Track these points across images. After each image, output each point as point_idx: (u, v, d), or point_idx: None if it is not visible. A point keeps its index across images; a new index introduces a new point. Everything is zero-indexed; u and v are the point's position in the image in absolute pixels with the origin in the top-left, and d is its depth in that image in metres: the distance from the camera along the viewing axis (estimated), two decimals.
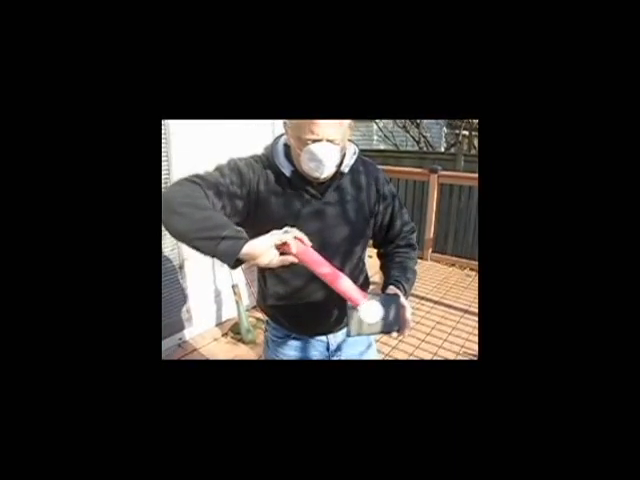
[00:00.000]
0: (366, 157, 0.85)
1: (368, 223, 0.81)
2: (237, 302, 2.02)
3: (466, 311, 2.24)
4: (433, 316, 2.18)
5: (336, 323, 0.84)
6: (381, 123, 7.04)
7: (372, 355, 0.96)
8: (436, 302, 2.35)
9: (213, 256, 0.61)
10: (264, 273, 0.83)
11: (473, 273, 2.87)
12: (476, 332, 1.82)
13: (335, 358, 0.89)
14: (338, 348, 0.87)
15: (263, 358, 0.99)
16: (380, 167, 0.90)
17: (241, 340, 2.05)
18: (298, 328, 0.85)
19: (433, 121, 6.81)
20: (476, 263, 2.85)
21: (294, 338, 0.87)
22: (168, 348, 1.96)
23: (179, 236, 0.65)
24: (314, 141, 0.66)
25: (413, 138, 6.67)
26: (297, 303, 0.81)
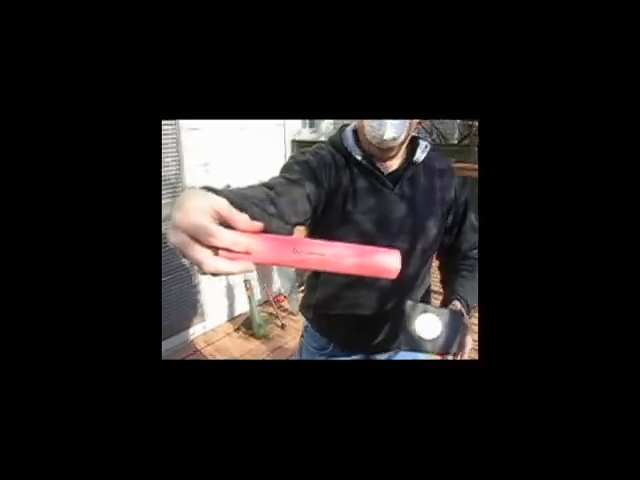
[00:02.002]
0: (441, 153, 0.80)
1: (440, 225, 0.74)
2: (249, 297, 2.02)
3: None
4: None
5: (382, 344, 0.76)
6: None
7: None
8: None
9: None
10: (317, 274, 0.77)
11: None
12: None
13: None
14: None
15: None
16: None
17: (253, 335, 2.05)
18: (338, 340, 0.78)
19: None
20: None
21: (331, 354, 0.79)
22: (180, 343, 1.96)
23: None
24: None
25: (425, 130, 6.53)
26: (343, 312, 0.74)
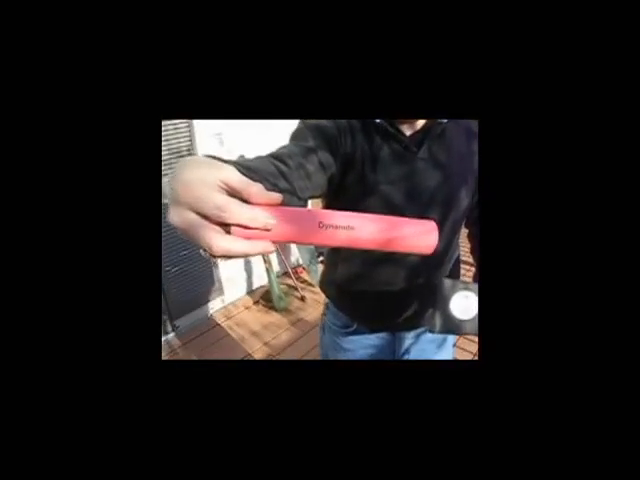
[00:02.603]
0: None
1: (473, 192, 0.66)
2: (267, 269, 2.01)
3: None
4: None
5: (409, 321, 0.70)
6: None
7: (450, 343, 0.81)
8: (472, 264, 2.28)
9: None
10: (337, 250, 0.71)
11: None
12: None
13: (400, 356, 0.76)
14: (406, 352, 0.73)
15: (319, 343, 0.86)
16: None
17: (273, 308, 2.04)
18: (362, 319, 0.73)
19: None
20: None
21: (356, 332, 0.74)
22: (199, 319, 1.95)
23: None
24: None
25: None
26: (367, 289, 0.68)
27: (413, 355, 0.77)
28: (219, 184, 0.30)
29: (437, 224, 0.47)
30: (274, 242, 0.33)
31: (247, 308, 2.12)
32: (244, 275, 2.17)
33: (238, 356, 1.87)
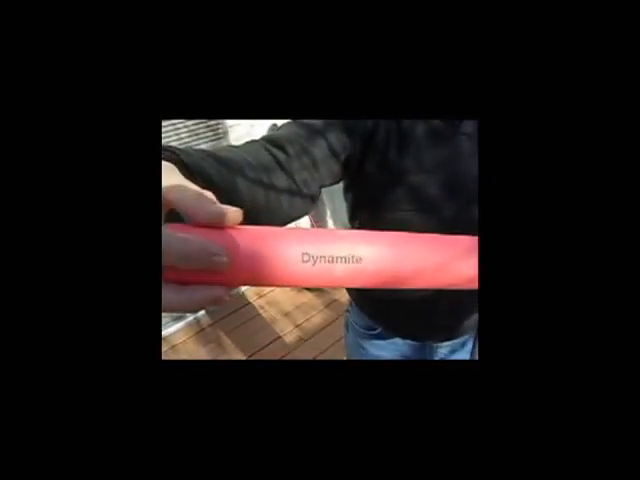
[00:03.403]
0: None
1: None
2: None
3: None
4: None
5: (443, 331, 0.59)
6: None
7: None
8: None
9: None
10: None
11: None
12: None
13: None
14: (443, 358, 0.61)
15: (343, 342, 0.81)
16: None
17: (306, 288, 1.98)
18: (386, 324, 0.64)
19: None
20: None
21: (380, 336, 0.65)
22: (231, 295, 1.92)
23: None
24: None
25: None
26: (392, 297, 0.55)
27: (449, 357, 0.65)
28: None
29: (472, 220, 0.38)
30: (230, 287, 0.22)
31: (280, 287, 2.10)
32: None
33: (269, 339, 1.82)
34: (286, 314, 1.85)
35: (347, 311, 0.77)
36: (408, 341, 0.66)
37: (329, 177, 0.47)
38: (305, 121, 0.46)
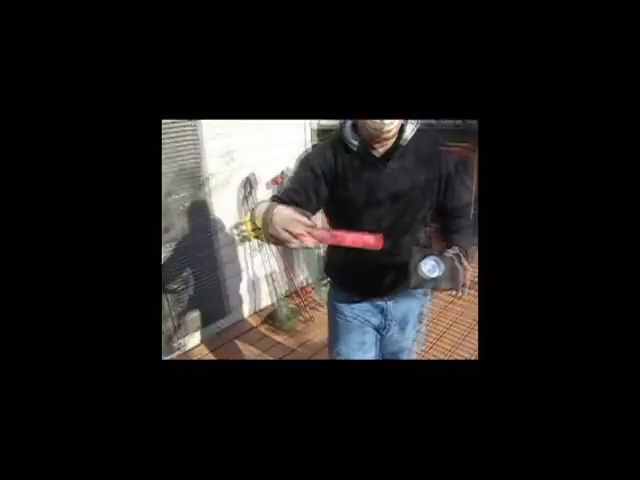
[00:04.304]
0: (430, 129, 0.91)
1: (430, 191, 0.87)
2: (274, 290, 1.98)
3: None
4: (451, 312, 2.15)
5: (392, 288, 0.91)
6: None
7: (424, 304, 1.05)
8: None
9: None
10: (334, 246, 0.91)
11: None
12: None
13: (386, 323, 0.98)
14: (391, 314, 0.95)
15: (327, 317, 1.09)
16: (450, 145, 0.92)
17: (280, 328, 2.00)
18: (358, 291, 0.95)
19: None
20: None
21: (355, 301, 0.96)
22: (207, 337, 1.93)
23: None
24: None
25: None
26: (359, 269, 0.89)
27: (395, 316, 0.98)
28: (291, 220, 0.67)
29: (399, 217, 0.83)
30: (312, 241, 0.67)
31: (253, 328, 2.09)
32: (251, 295, 2.14)
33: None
34: (260, 355, 1.85)
35: (329, 293, 1.07)
36: (373, 302, 0.97)
37: (317, 208, 0.88)
38: (303, 182, 0.86)
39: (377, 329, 0.99)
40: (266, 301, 2.21)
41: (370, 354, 1.00)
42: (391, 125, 0.77)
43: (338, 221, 0.90)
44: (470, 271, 0.76)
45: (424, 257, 0.72)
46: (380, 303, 0.95)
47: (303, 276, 2.32)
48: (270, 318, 2.12)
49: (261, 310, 2.19)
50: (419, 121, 0.86)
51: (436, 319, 2.14)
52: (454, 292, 0.75)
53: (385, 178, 0.83)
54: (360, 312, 0.97)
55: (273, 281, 1.99)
